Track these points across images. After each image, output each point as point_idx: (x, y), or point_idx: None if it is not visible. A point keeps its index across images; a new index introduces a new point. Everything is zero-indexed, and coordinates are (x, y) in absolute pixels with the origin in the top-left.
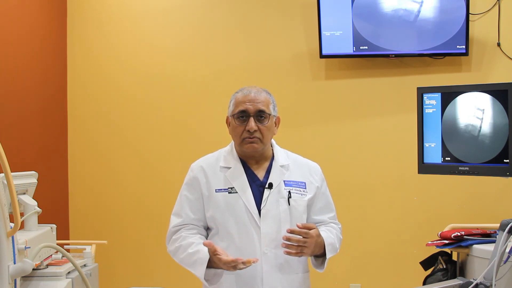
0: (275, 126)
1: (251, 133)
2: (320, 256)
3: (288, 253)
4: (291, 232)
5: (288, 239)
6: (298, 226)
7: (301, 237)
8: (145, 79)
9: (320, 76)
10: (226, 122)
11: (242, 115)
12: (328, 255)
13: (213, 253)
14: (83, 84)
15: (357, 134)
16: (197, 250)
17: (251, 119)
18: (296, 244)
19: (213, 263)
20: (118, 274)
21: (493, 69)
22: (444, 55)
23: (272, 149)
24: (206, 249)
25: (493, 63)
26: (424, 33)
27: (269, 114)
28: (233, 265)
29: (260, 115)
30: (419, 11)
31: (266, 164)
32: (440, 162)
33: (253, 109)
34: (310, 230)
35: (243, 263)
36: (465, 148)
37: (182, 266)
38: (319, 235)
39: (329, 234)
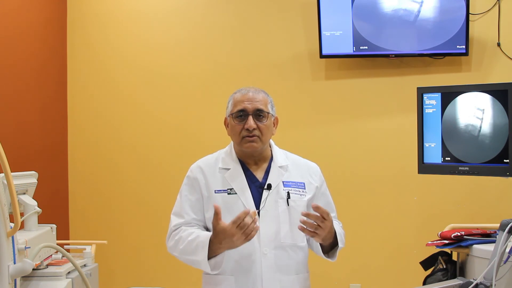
0: (274, 126)
1: (250, 131)
2: (325, 248)
3: (303, 230)
4: (316, 208)
5: (307, 214)
6: (313, 207)
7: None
8: (145, 79)
9: (320, 76)
10: (224, 124)
11: (240, 114)
12: (340, 245)
13: (216, 220)
14: (83, 84)
15: (357, 134)
16: (197, 235)
17: (250, 118)
18: (314, 222)
19: (215, 240)
20: (118, 274)
21: (493, 69)
22: (444, 55)
23: (271, 150)
24: (206, 233)
25: (493, 63)
26: (424, 33)
27: (268, 113)
28: (238, 225)
29: (259, 113)
30: (419, 11)
31: (265, 165)
32: (440, 162)
33: (251, 108)
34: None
35: (250, 215)
36: (465, 148)
37: (182, 266)
38: (332, 224)
39: (337, 227)
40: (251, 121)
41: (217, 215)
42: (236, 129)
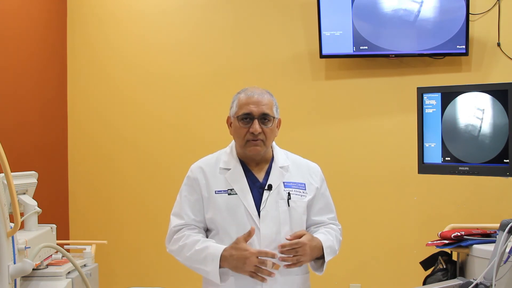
0: (277, 128)
1: (255, 135)
2: (319, 258)
3: (288, 266)
4: (282, 246)
5: (281, 253)
6: (287, 239)
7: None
8: (145, 79)
9: (320, 76)
10: (227, 122)
11: (246, 117)
12: (327, 258)
13: (245, 237)
14: (83, 84)
15: (357, 134)
16: (206, 246)
17: (255, 122)
18: (290, 256)
19: (227, 251)
20: (118, 274)
21: (493, 69)
22: (444, 55)
23: (272, 150)
24: (216, 245)
25: (493, 63)
26: (424, 33)
27: (273, 117)
28: (260, 261)
29: (264, 117)
30: (419, 11)
31: (266, 166)
32: (440, 162)
33: (257, 112)
34: (300, 237)
35: (273, 264)
36: (465, 148)
37: (182, 266)
38: (311, 239)
39: (328, 237)
40: (256, 125)
41: (249, 236)
42: (241, 132)
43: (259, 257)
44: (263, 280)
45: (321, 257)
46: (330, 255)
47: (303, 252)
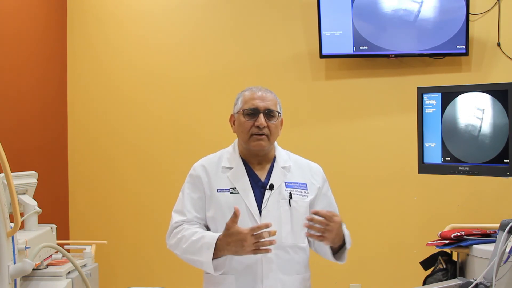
0: (279, 127)
1: (261, 129)
2: (334, 250)
3: (310, 236)
4: (316, 213)
5: (311, 219)
6: (316, 212)
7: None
8: (145, 79)
9: (320, 76)
10: (230, 121)
11: (251, 112)
12: (348, 246)
13: (232, 222)
14: (83, 84)
15: (357, 134)
16: (202, 236)
17: (261, 115)
18: (318, 226)
19: (222, 241)
20: (118, 274)
21: (493, 69)
22: (444, 55)
23: (274, 150)
24: (212, 234)
25: (493, 63)
26: (424, 33)
27: (278, 112)
28: (255, 234)
29: (269, 113)
30: (419, 11)
31: (268, 165)
32: (440, 162)
33: (263, 107)
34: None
35: (269, 232)
36: (465, 148)
37: (182, 266)
38: (341, 226)
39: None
40: (262, 119)
41: (235, 217)
42: (246, 126)
43: (254, 234)
44: (267, 251)
45: (335, 250)
46: (349, 245)
47: (331, 229)
